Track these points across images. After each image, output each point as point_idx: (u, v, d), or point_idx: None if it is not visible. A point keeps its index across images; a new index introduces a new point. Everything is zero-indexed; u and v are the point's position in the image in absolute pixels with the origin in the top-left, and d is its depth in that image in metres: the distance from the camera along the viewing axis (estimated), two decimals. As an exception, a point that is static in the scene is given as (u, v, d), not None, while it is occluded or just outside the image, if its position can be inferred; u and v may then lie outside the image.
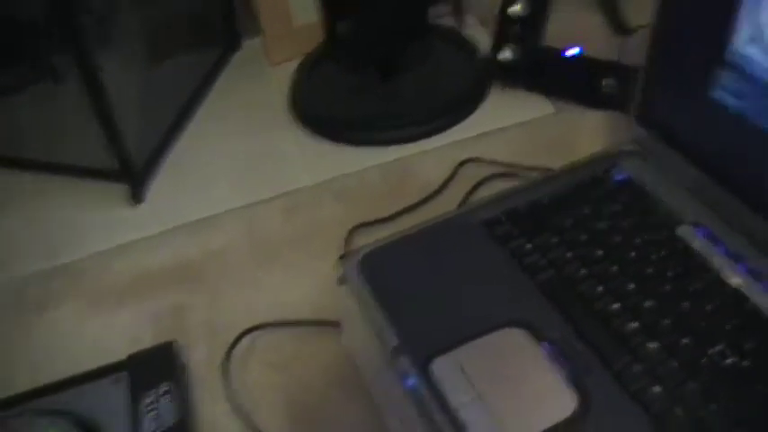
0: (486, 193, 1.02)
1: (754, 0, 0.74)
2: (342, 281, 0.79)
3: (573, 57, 1.15)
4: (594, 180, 0.84)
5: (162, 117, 1.24)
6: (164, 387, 0.83)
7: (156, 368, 0.86)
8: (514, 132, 1.13)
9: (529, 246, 0.77)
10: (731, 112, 0.78)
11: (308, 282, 0.96)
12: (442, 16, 1.32)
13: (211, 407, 0.85)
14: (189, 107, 1.27)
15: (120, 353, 0.91)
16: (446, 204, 1.02)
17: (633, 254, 0.76)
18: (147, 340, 0.93)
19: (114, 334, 0.97)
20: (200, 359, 0.90)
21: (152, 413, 0.81)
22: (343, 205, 1.07)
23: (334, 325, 0.88)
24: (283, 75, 1.31)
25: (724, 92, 0.79)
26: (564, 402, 0.64)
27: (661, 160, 0.84)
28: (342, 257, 0.80)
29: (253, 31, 1.39)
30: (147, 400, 0.83)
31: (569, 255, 0.76)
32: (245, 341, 0.89)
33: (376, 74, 1.23)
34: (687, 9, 0.82)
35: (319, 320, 0.90)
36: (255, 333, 0.90)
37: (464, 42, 1.28)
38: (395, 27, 1.15)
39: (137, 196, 1.13)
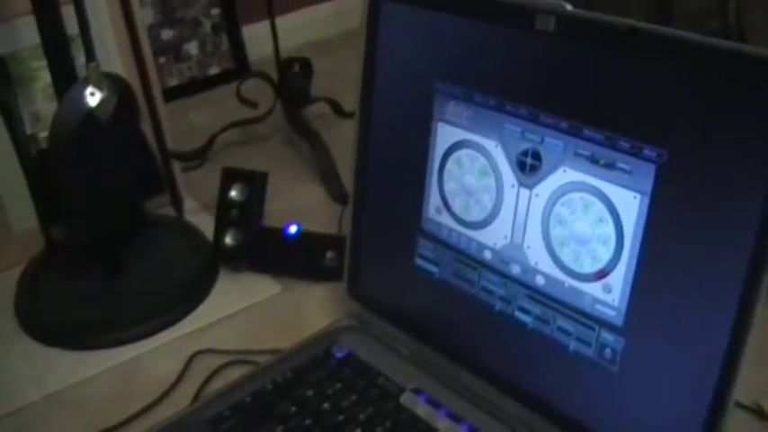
0: (220, 383, 1.00)
1: (438, 173, 0.79)
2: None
3: (293, 234, 1.17)
4: (315, 361, 0.85)
5: None
6: None
7: None
8: (243, 317, 1.13)
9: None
10: (433, 278, 0.81)
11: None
12: (162, 207, 1.32)
13: None
14: None
15: None
16: (182, 400, 1.00)
17: (359, 431, 0.76)
18: None
19: None
20: None
21: None
22: (79, 415, 1.01)
23: None
24: (7, 284, 1.25)
25: (424, 260, 0.83)
26: None
27: (377, 331, 0.86)
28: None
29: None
30: None
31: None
32: None
33: (101, 274, 1.20)
34: (383, 183, 0.86)
35: None
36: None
37: (187, 230, 1.28)
38: (109, 228, 1.13)
39: None
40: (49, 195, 1.13)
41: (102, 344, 1.12)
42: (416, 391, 0.80)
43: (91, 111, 1.03)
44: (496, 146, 0.76)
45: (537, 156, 0.73)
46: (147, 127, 1.21)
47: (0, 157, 1.19)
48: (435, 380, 0.81)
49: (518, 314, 0.76)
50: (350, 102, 1.41)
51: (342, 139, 1.47)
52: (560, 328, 0.73)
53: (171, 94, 1.68)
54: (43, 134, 1.12)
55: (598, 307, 0.70)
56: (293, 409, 0.79)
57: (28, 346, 1.15)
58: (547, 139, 0.72)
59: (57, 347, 1.13)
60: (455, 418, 0.77)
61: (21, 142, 1.14)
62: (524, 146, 0.74)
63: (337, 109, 1.62)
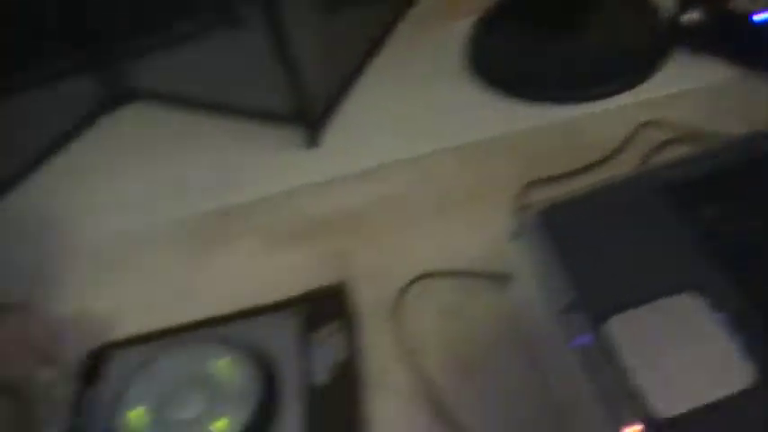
0: (664, 157, 1.00)
1: None
2: (516, 235, 0.79)
3: (761, 22, 1.10)
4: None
5: (339, 65, 1.26)
6: (334, 326, 0.86)
7: (327, 307, 0.89)
8: (695, 96, 1.10)
9: (711, 212, 0.75)
10: None
11: (478, 234, 0.97)
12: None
13: (378, 349, 0.88)
14: (366, 57, 1.29)
15: (290, 291, 0.95)
16: (621, 166, 1.01)
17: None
18: (318, 281, 0.97)
19: (285, 272, 1.01)
20: (368, 302, 0.92)
21: (322, 350, 0.84)
22: (515, 161, 1.06)
23: (502, 278, 0.89)
24: (460, 29, 1.31)
25: None
26: (739, 374, 0.63)
27: None
28: (517, 211, 0.80)
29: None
30: (318, 337, 0.86)
31: (753, 225, 0.74)
32: (415, 288, 0.91)
33: (553, 31, 1.21)
34: None
35: (489, 273, 0.91)
36: (425, 281, 0.92)
37: (643, 2, 1.24)
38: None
39: (312, 141, 1.17)
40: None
41: (546, 98, 1.15)
42: None
43: None
44: None
45: None
46: None
47: None
48: None
49: None
50: None
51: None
52: None
53: None
54: None
55: None
56: (755, 191, 0.77)
57: (474, 90, 1.21)
58: None
59: (503, 95, 1.18)
60: None
61: None
62: None
63: None
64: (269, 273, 1.01)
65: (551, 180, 1.01)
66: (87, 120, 1.38)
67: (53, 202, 1.27)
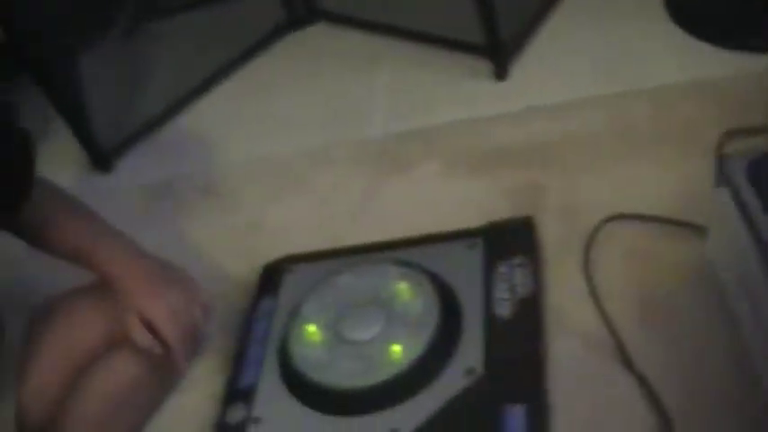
0: None
1: None
2: (719, 183, 0.75)
3: None
4: None
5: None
6: (519, 259, 0.84)
7: (513, 240, 0.87)
8: None
9: None
10: None
11: (672, 179, 0.92)
12: None
13: (561, 287, 0.85)
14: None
15: (469, 221, 0.93)
16: None
17: None
18: (499, 212, 0.94)
19: (465, 201, 0.99)
20: (554, 239, 0.90)
21: (505, 283, 0.82)
22: (711, 108, 1.01)
23: (695, 227, 0.85)
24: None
25: None
26: None
27: None
28: (718, 160, 0.76)
29: None
30: (501, 270, 0.84)
31: None
32: (604, 229, 0.88)
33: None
34: None
35: (683, 221, 0.86)
36: (614, 222, 0.88)
37: None
38: None
39: (501, 73, 1.14)
40: None
41: (748, 46, 1.08)
42: None
43: None
44: None
45: None
46: None
47: None
48: None
49: None
50: None
51: None
52: None
53: None
54: None
55: None
56: None
57: (672, 33, 1.14)
58: None
59: (702, 40, 1.12)
60: None
61: None
62: None
63: None
64: (449, 200, 1.00)
65: (753, 131, 0.95)
66: (270, 38, 1.39)
67: (233, 116, 1.29)
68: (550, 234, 0.90)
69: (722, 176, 0.75)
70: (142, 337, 0.83)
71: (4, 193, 0.81)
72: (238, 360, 0.88)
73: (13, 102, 1.43)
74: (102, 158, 1.28)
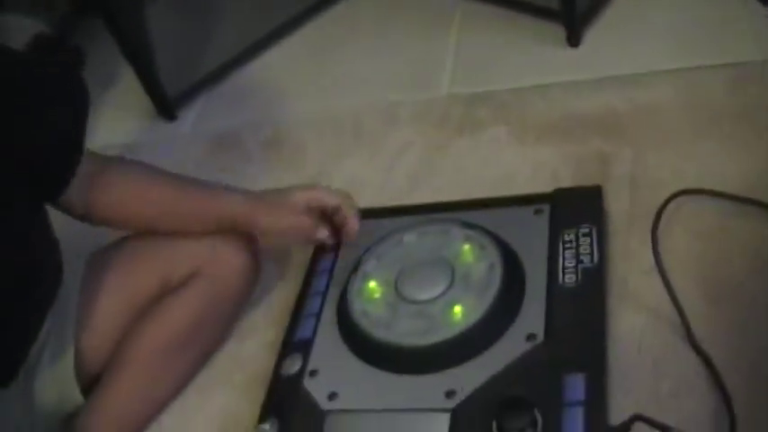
0: None
1: None
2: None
3: None
4: None
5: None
6: (585, 228, 0.83)
7: (579, 208, 0.85)
8: None
9: None
10: None
11: (745, 158, 0.90)
12: None
13: (627, 260, 0.84)
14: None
15: (536, 186, 0.92)
16: None
17: None
18: (566, 180, 0.94)
19: (533, 167, 0.98)
20: (621, 211, 0.89)
21: (570, 251, 0.81)
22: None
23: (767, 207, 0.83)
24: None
25: None
26: None
27: None
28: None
29: None
30: (567, 237, 0.83)
31: None
32: (674, 204, 0.86)
33: None
34: None
35: (755, 200, 0.84)
36: (685, 198, 0.87)
37: None
38: None
39: (573, 40, 1.12)
40: None
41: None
42: None
43: None
44: None
45: None
46: None
47: None
48: None
49: None
50: None
51: None
52: None
53: None
54: None
55: None
56: None
57: (754, 8, 1.11)
58: None
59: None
60: None
61: None
62: None
63: None
64: (515, 165, 0.99)
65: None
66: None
67: (298, 70, 1.29)
68: (617, 205, 0.89)
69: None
70: (322, 229, 0.89)
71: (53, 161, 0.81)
72: (297, 312, 0.88)
73: (82, 49, 1.44)
74: (167, 106, 1.29)
